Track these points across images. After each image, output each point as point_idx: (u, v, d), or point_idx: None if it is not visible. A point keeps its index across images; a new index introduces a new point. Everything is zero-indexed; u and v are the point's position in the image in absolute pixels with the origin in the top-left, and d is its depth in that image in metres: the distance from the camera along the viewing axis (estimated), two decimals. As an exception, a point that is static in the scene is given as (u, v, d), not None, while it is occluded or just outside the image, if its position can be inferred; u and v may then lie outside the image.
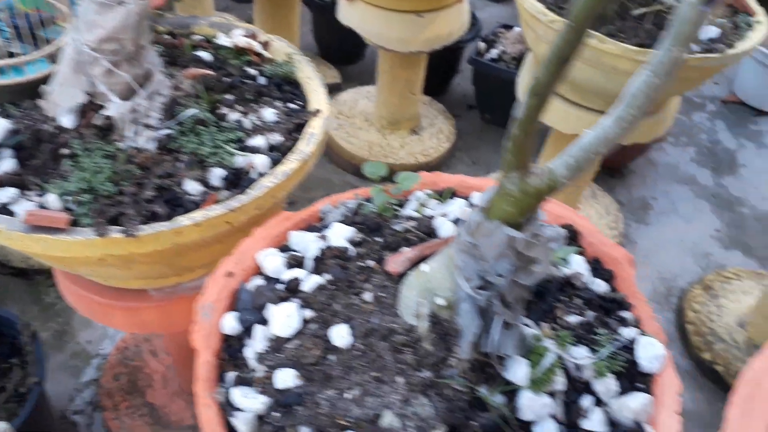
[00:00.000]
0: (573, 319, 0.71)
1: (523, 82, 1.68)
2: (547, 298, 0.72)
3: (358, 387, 0.65)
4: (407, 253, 0.72)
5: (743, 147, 2.54)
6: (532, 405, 0.63)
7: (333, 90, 2.60)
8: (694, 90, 2.84)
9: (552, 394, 0.65)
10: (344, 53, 2.71)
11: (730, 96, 2.77)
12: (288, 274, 0.76)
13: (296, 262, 0.78)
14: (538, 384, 0.63)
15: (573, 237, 0.85)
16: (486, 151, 2.39)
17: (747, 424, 0.49)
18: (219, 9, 2.74)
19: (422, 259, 0.71)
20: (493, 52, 2.26)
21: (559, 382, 0.65)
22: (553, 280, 0.75)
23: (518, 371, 0.64)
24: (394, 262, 0.71)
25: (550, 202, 0.91)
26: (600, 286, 0.79)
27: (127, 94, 0.87)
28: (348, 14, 1.88)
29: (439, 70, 2.51)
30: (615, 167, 2.31)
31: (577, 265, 0.80)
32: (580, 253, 0.84)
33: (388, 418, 0.62)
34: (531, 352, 0.65)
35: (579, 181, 1.87)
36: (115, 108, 0.85)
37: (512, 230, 0.56)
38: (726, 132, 2.62)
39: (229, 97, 0.99)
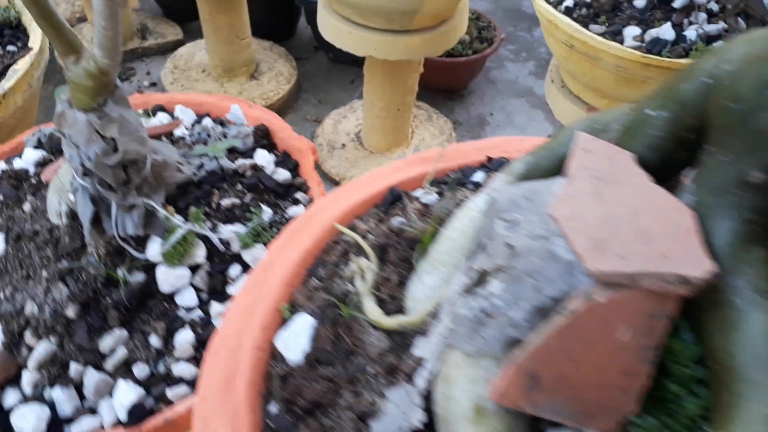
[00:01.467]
0: (228, 201, 0.77)
1: (321, 17, 1.71)
2: (203, 186, 0.78)
3: (10, 287, 0.69)
4: (59, 161, 0.76)
5: (580, 56, 2.65)
6: (167, 277, 0.69)
7: (176, 46, 2.58)
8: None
9: (195, 268, 0.71)
10: (185, 10, 2.67)
11: (570, 9, 2.88)
12: (-31, 200, 0.79)
13: (-18, 190, 0.81)
14: (170, 258, 0.69)
15: (266, 134, 0.91)
16: (332, 90, 2.43)
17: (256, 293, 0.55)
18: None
19: (77, 164, 0.75)
20: (319, -11, 2.27)
21: (200, 256, 0.71)
22: (220, 171, 0.81)
23: (152, 249, 0.69)
24: (48, 171, 0.75)
25: (253, 108, 0.97)
26: (282, 174, 0.85)
27: None
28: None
29: (281, 13, 2.51)
30: (454, 89, 2.39)
31: (261, 158, 0.86)
32: (270, 148, 0.90)
33: (29, 307, 0.67)
34: (168, 231, 0.70)
35: (404, 107, 1.93)
36: None
37: (83, 114, 0.61)
38: (565, 44, 2.72)
39: (-61, 45, 0.99)
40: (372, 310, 0.50)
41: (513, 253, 0.40)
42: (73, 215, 0.69)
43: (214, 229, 0.73)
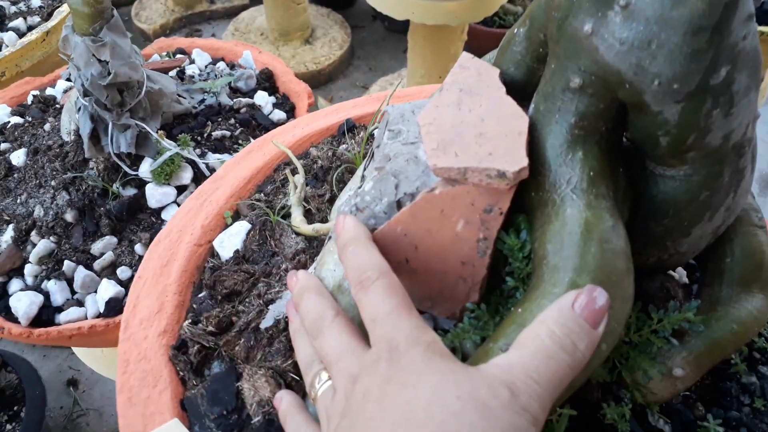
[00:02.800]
0: (218, 133, 0.84)
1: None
2: (199, 118, 0.85)
3: (25, 193, 0.79)
4: (76, 87, 0.85)
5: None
6: (155, 194, 0.77)
7: (242, 10, 2.69)
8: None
9: (182, 189, 0.79)
10: (254, -24, 2.77)
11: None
12: (4, 120, 0.90)
13: (18, 113, 0.92)
14: (158, 176, 0.77)
15: (269, 77, 0.98)
16: (383, 59, 2.48)
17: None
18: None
19: (91, 92, 0.84)
20: (376, -43, 2.31)
21: (186, 178, 0.79)
22: (218, 106, 0.88)
23: (144, 167, 0.78)
24: (65, 96, 0.85)
25: (262, 54, 1.03)
26: (278, 114, 0.92)
27: None
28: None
29: (342, -18, 2.58)
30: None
31: (260, 98, 0.93)
32: (272, 91, 0.96)
33: (37, 210, 0.77)
34: (159, 152, 0.78)
35: (446, 75, 1.95)
36: None
37: (79, 37, 0.69)
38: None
39: (0, -11, 1.12)
40: (296, 218, 0.56)
41: (387, 157, 0.44)
42: (79, 133, 0.78)
43: (202, 155, 0.81)
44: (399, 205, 0.42)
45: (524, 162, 0.36)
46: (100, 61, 0.70)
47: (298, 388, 0.46)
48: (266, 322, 0.48)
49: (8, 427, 0.99)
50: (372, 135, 0.61)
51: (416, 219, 0.39)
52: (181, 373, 0.49)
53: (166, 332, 0.51)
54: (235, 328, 0.50)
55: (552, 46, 0.37)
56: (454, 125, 0.40)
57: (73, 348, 1.09)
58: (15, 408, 1.02)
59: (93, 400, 1.30)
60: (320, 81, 2.27)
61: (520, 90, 0.42)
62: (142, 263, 0.56)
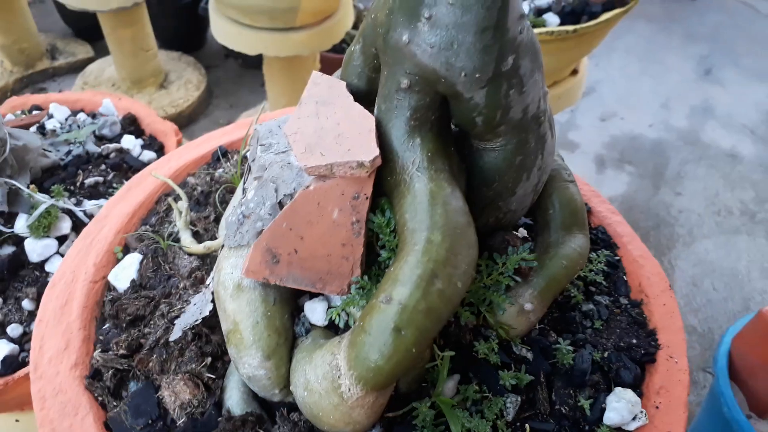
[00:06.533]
0: (91, 180, 0.85)
1: (213, 22, 1.80)
2: (69, 169, 0.86)
3: None
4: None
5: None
6: (35, 248, 0.77)
7: (88, 64, 2.62)
8: None
9: (63, 239, 0.80)
10: (95, 28, 2.71)
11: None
12: None
13: None
14: (36, 230, 0.77)
15: (133, 121, 1.00)
16: (242, 94, 2.52)
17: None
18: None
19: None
20: (219, -2, 2.36)
21: (65, 228, 0.80)
22: (86, 155, 0.89)
23: (19, 223, 0.78)
24: None
25: (123, 100, 1.05)
26: (148, 155, 0.95)
27: None
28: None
29: (189, 24, 2.59)
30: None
31: (128, 142, 0.95)
32: (138, 134, 0.99)
33: None
34: (33, 207, 0.79)
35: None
36: None
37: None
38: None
39: None
40: (185, 240, 0.61)
41: (263, 167, 0.51)
42: (-58, 200, 0.77)
43: (78, 204, 0.82)
44: (281, 205, 0.49)
45: (376, 151, 0.44)
46: (-41, 123, 0.71)
47: (215, 387, 0.51)
48: (174, 335, 0.53)
49: None
50: (245, 157, 0.67)
51: (298, 214, 0.46)
52: (100, 398, 0.51)
53: (78, 365, 0.53)
54: (145, 347, 0.54)
55: (382, 56, 0.46)
56: (316, 131, 0.47)
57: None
58: None
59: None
60: (181, 123, 2.27)
61: (364, 96, 0.50)
62: (41, 307, 0.58)
